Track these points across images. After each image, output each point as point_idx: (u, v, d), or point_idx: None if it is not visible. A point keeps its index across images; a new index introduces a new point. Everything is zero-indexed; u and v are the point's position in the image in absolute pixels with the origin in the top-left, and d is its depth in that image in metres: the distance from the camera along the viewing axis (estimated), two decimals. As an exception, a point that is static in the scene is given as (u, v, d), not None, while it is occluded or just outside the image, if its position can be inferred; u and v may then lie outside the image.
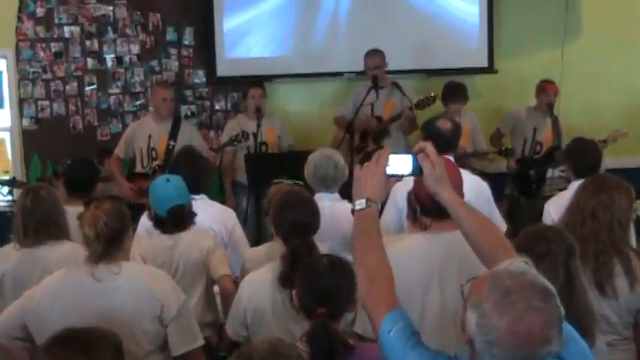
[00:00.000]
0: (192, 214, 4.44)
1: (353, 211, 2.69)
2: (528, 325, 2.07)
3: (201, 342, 3.74)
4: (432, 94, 7.09)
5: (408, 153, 2.69)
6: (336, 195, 4.86)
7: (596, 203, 3.83)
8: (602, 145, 7.24)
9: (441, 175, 2.72)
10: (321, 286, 3.05)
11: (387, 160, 2.68)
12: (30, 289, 3.71)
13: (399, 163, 2.68)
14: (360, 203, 2.64)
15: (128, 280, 3.60)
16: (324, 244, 3.88)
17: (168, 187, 4.38)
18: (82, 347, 2.38)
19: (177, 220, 4.32)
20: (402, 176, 2.70)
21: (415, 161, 2.67)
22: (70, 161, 5.52)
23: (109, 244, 3.60)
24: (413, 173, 2.70)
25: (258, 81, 7.67)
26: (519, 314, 2.08)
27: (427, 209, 3.51)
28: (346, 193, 5.13)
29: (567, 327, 2.27)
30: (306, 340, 2.93)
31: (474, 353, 2.18)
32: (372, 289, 2.53)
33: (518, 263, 2.22)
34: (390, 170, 2.68)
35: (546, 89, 7.53)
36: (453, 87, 7.51)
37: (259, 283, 3.71)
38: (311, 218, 3.84)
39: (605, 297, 3.69)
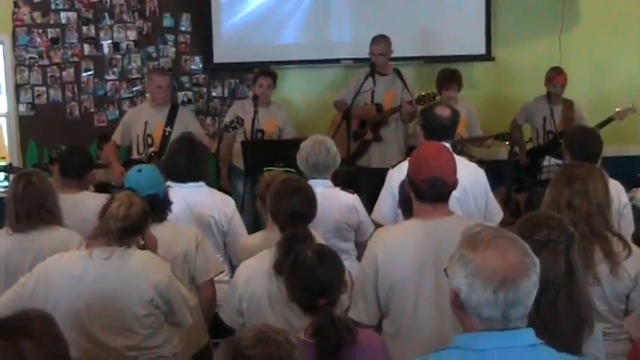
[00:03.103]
0: (168, 203, 4.40)
1: None
2: (501, 249, 2.20)
3: (194, 300, 3.91)
4: (433, 91, 7.12)
5: None
6: (328, 181, 4.88)
7: (570, 193, 3.78)
8: (604, 125, 7.29)
9: None
10: (316, 279, 3.04)
11: None
12: (23, 276, 3.73)
13: None
14: None
15: (117, 267, 3.62)
16: (315, 230, 3.86)
17: (140, 177, 4.35)
18: (19, 332, 2.36)
19: (150, 209, 4.28)
20: None
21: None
22: (64, 148, 5.53)
23: (124, 231, 3.66)
24: None
25: (271, 69, 7.57)
26: (492, 243, 2.21)
27: (422, 193, 3.51)
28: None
29: None
30: (312, 332, 2.93)
31: (462, 311, 2.23)
32: None
33: None
34: None
35: (553, 80, 7.52)
36: (446, 74, 7.53)
37: (255, 270, 3.70)
38: (307, 207, 3.81)
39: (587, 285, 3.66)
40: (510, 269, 2.17)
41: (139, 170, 4.42)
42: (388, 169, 6.19)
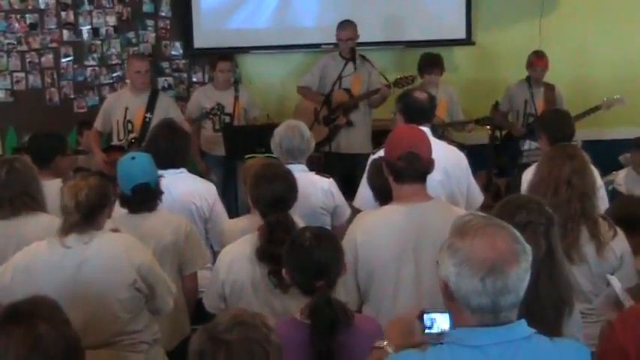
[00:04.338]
0: (159, 193, 4.35)
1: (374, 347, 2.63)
2: (490, 236, 2.17)
3: (175, 287, 3.89)
4: (412, 74, 7.13)
5: (443, 312, 2.45)
6: (303, 166, 4.87)
7: (571, 170, 3.83)
8: (591, 113, 7.32)
9: None
10: (314, 260, 3.02)
11: (420, 316, 2.51)
12: (1, 266, 3.71)
13: (436, 321, 2.50)
14: (380, 343, 2.60)
15: (99, 250, 3.61)
16: (292, 214, 3.87)
17: (133, 165, 4.31)
18: (34, 316, 2.35)
19: (141, 198, 4.24)
20: (441, 334, 2.46)
21: (452, 319, 2.47)
22: (30, 136, 5.52)
23: (85, 217, 3.61)
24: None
25: (229, 53, 7.71)
26: (480, 231, 2.18)
27: (399, 172, 3.52)
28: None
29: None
30: (309, 313, 2.93)
31: (453, 303, 2.21)
32: None
33: None
34: (427, 328, 2.49)
35: (534, 64, 7.55)
36: (428, 58, 7.55)
37: (238, 255, 3.70)
38: (288, 192, 3.81)
39: (572, 264, 3.70)
40: (499, 256, 2.14)
41: (133, 158, 4.37)
42: (356, 154, 6.20)
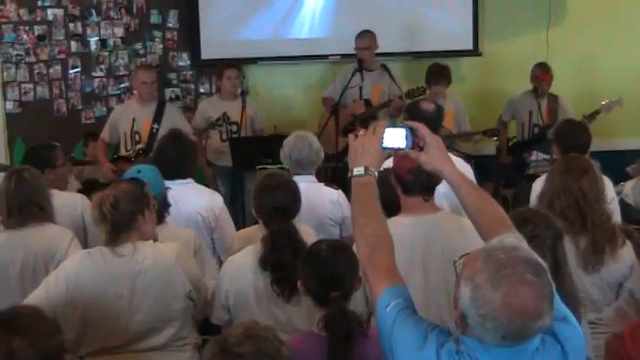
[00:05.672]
0: (166, 205, 4.34)
1: (350, 177, 2.62)
2: (521, 298, 2.09)
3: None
4: (423, 85, 7.14)
5: (402, 127, 2.65)
6: (312, 177, 4.88)
7: (583, 183, 3.89)
8: (592, 118, 7.29)
9: (440, 150, 2.66)
10: (329, 271, 3.03)
11: (383, 131, 2.61)
12: (50, 276, 3.65)
13: (394, 137, 2.63)
14: (359, 170, 2.57)
15: (154, 262, 3.56)
16: (303, 224, 3.86)
17: (138, 178, 4.29)
18: (11, 328, 2.32)
19: None
20: (397, 149, 2.64)
21: (409, 135, 2.61)
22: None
23: (119, 226, 3.56)
24: (407, 147, 2.63)
25: (239, 63, 7.73)
26: (512, 288, 2.10)
27: (407, 185, 3.52)
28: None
29: (564, 308, 2.34)
30: (324, 325, 2.93)
31: (465, 328, 2.20)
32: (372, 258, 2.46)
33: (511, 239, 2.24)
34: (385, 143, 2.62)
35: (540, 79, 7.54)
36: (435, 69, 7.54)
37: (241, 265, 3.71)
38: (291, 202, 3.83)
39: (590, 271, 3.76)
40: (527, 318, 2.11)
41: (138, 171, 4.35)
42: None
